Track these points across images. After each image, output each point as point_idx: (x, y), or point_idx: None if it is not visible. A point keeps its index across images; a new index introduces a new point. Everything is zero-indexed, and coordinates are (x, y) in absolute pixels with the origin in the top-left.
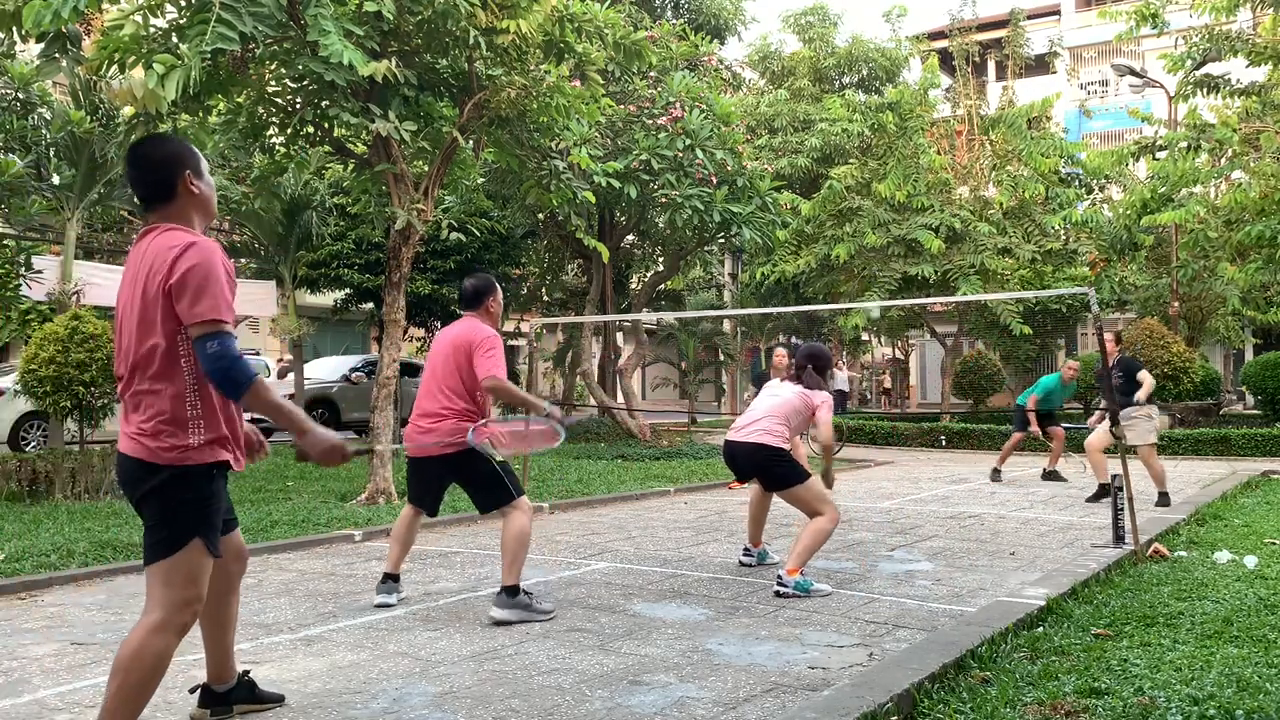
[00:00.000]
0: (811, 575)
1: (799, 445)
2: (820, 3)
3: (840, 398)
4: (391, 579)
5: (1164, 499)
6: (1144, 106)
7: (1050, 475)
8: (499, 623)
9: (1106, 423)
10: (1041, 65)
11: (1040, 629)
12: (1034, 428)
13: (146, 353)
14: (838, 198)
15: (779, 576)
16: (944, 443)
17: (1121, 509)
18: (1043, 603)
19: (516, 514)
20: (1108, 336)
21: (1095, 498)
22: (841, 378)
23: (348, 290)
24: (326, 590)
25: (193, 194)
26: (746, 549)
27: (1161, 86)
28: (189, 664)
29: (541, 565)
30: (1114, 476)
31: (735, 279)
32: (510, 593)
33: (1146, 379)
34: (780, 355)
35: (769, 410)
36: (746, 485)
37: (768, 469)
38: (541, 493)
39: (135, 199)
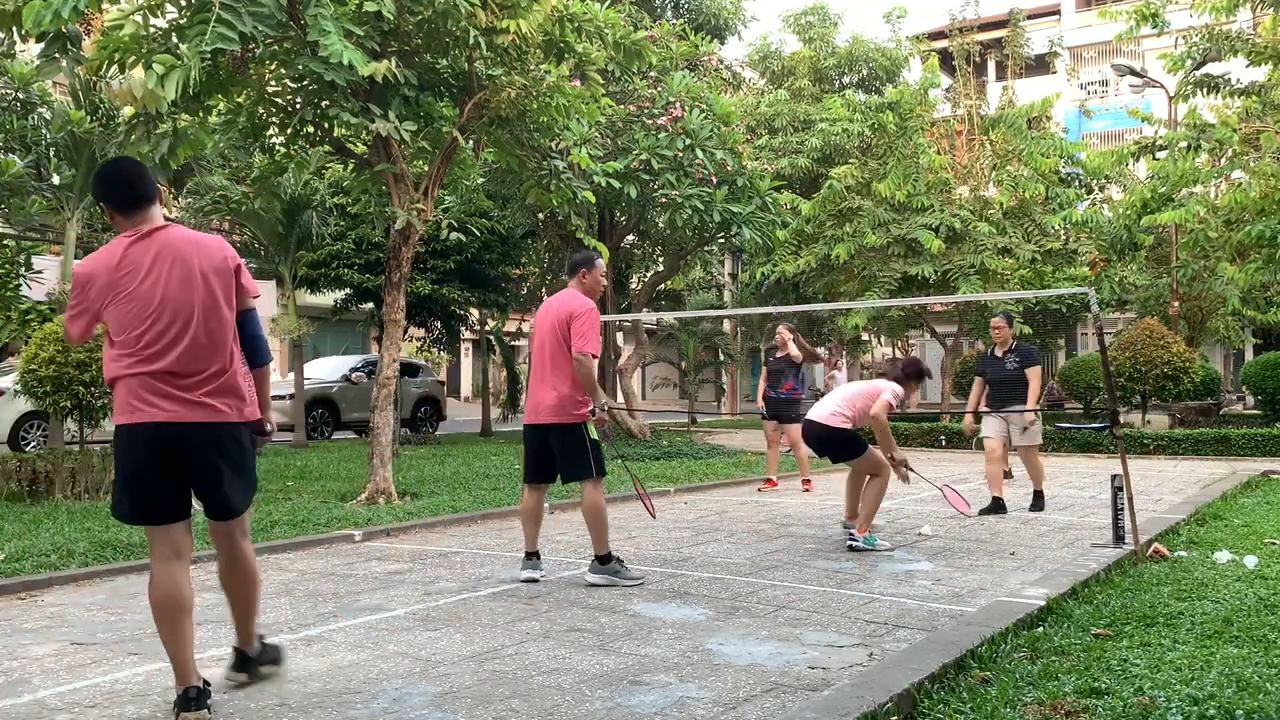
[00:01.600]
0: (811, 575)
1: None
2: (820, 3)
3: None
4: (533, 556)
5: (1039, 500)
6: (1144, 106)
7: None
8: (592, 585)
9: (1033, 424)
10: (1041, 65)
11: (1040, 629)
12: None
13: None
14: (838, 198)
15: (851, 534)
16: (944, 443)
17: (1121, 509)
18: (1043, 603)
19: (589, 488)
20: (997, 321)
21: (1036, 506)
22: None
23: (348, 290)
24: (326, 590)
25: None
26: (844, 523)
27: (1161, 86)
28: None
29: (542, 565)
30: (1114, 476)
31: (735, 279)
32: (601, 560)
33: (1038, 376)
34: (781, 332)
35: (835, 396)
36: (776, 486)
37: (834, 444)
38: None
39: (120, 207)
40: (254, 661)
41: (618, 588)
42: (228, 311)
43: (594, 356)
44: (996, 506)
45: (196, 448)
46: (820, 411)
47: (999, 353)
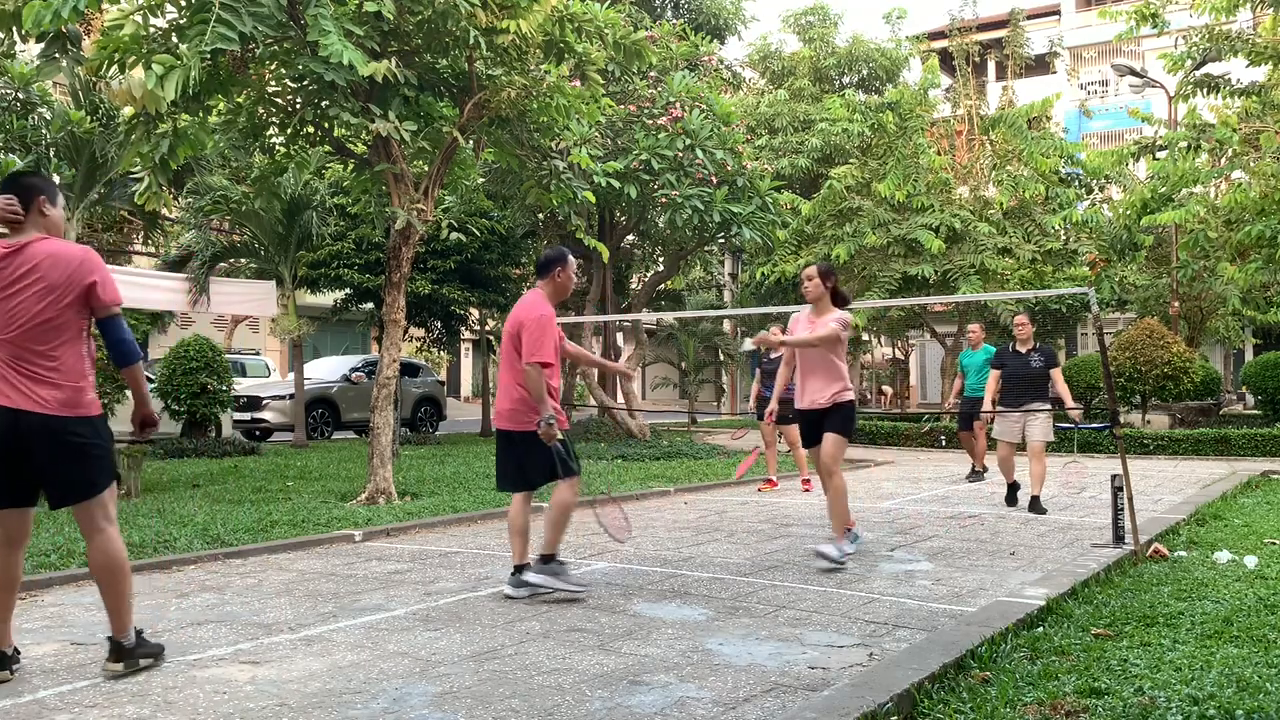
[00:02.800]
0: (811, 575)
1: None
2: (820, 3)
3: None
4: (522, 569)
5: (1037, 504)
6: (1144, 106)
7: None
8: (513, 593)
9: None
10: (1041, 65)
11: (1040, 629)
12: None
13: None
14: (838, 198)
15: (829, 541)
16: (944, 443)
17: (1121, 509)
18: (1043, 603)
19: (563, 487)
20: (1020, 319)
21: (1035, 509)
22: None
23: (348, 290)
24: (326, 590)
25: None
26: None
27: (1161, 86)
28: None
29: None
30: (1114, 476)
31: (735, 279)
32: (544, 559)
33: (1061, 377)
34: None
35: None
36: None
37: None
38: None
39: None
40: (129, 652)
41: (558, 592)
42: (72, 318)
43: (545, 366)
44: (1011, 492)
45: (25, 435)
46: (821, 394)
47: (1022, 349)
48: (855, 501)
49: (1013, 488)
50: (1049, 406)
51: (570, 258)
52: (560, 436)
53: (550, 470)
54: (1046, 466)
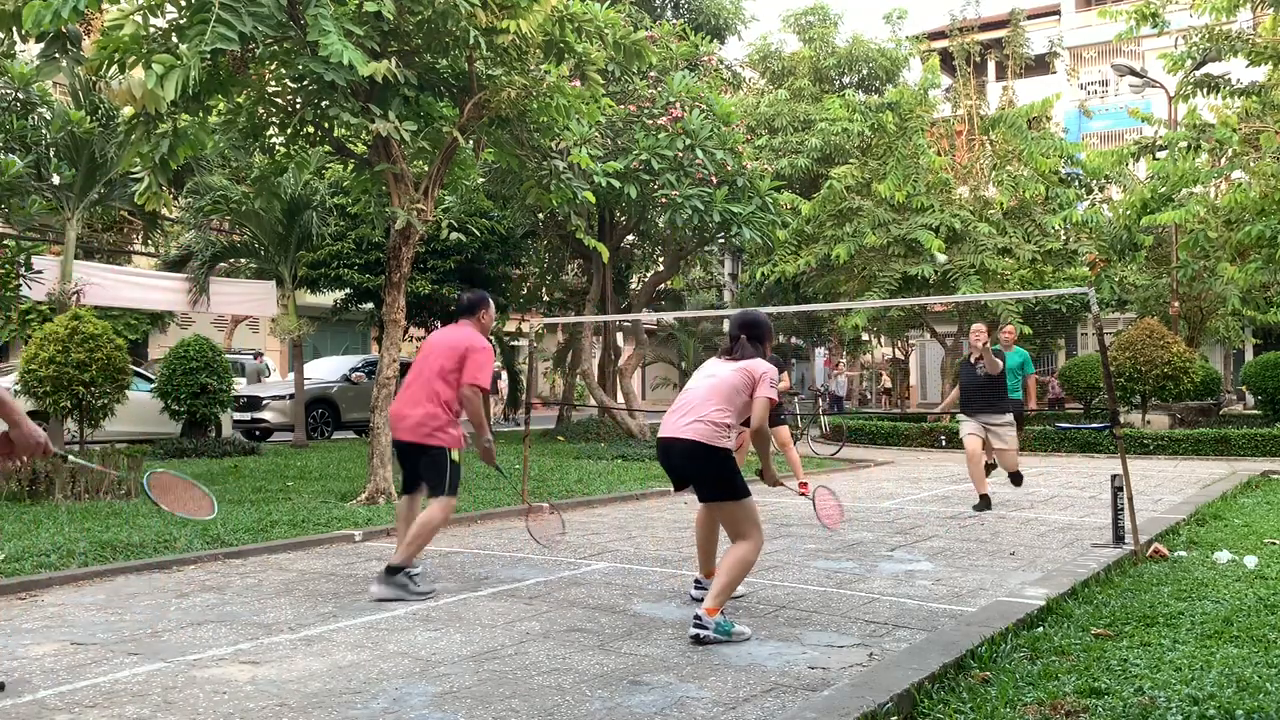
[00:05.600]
0: (811, 575)
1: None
2: (820, 3)
3: (836, 401)
4: (394, 572)
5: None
6: (1144, 106)
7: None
8: (376, 599)
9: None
10: (1041, 65)
11: (1040, 629)
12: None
13: None
14: (838, 198)
15: (698, 616)
16: (944, 443)
17: (1121, 509)
18: (1043, 603)
19: (437, 504)
20: (977, 327)
21: (1016, 482)
22: (840, 381)
23: (348, 290)
24: (326, 590)
25: None
26: (698, 582)
27: (1161, 86)
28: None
29: (541, 565)
30: (1114, 476)
31: (735, 279)
32: (392, 570)
33: (1034, 385)
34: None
35: (707, 395)
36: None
37: (704, 473)
38: (541, 493)
39: None
40: None
41: (409, 602)
42: None
43: (483, 391)
44: (984, 504)
45: None
46: (685, 421)
47: (973, 359)
48: (855, 501)
49: (984, 499)
50: (1008, 415)
51: (490, 300)
52: (457, 458)
53: (439, 485)
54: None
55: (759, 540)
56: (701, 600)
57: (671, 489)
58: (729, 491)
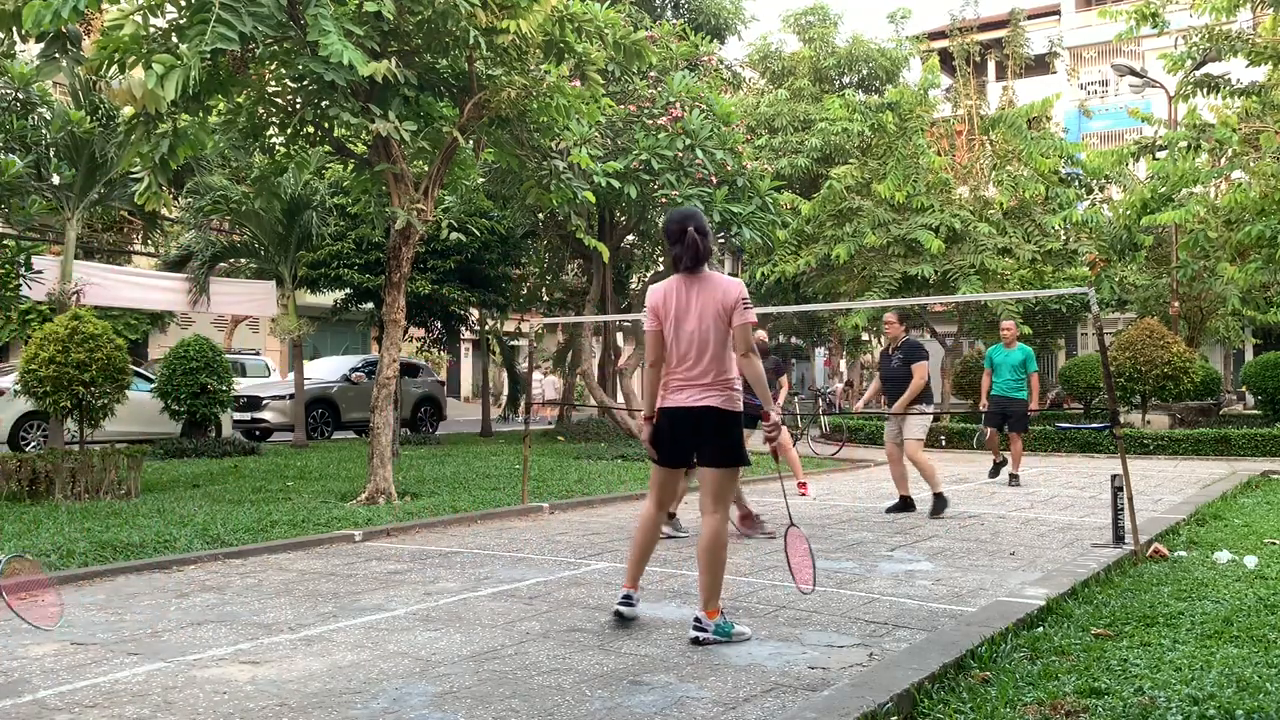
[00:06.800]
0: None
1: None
2: (820, 3)
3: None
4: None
5: (940, 501)
6: (1144, 106)
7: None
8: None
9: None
10: (1041, 65)
11: (1040, 629)
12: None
13: None
14: (838, 198)
15: (697, 619)
16: (944, 443)
17: (1121, 509)
18: (1043, 603)
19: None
20: (889, 317)
21: (898, 508)
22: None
23: (348, 290)
24: (326, 590)
25: None
26: (628, 596)
27: (1161, 86)
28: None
29: (541, 565)
30: (1114, 476)
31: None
32: None
33: (921, 372)
34: (760, 336)
35: (710, 360)
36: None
37: (721, 440)
38: (541, 493)
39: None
40: None
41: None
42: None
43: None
44: (904, 505)
45: None
46: (697, 388)
47: (889, 351)
48: (855, 501)
49: (904, 500)
50: (924, 405)
51: None
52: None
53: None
54: (927, 462)
55: (727, 513)
56: (627, 613)
57: (654, 468)
58: (739, 457)
